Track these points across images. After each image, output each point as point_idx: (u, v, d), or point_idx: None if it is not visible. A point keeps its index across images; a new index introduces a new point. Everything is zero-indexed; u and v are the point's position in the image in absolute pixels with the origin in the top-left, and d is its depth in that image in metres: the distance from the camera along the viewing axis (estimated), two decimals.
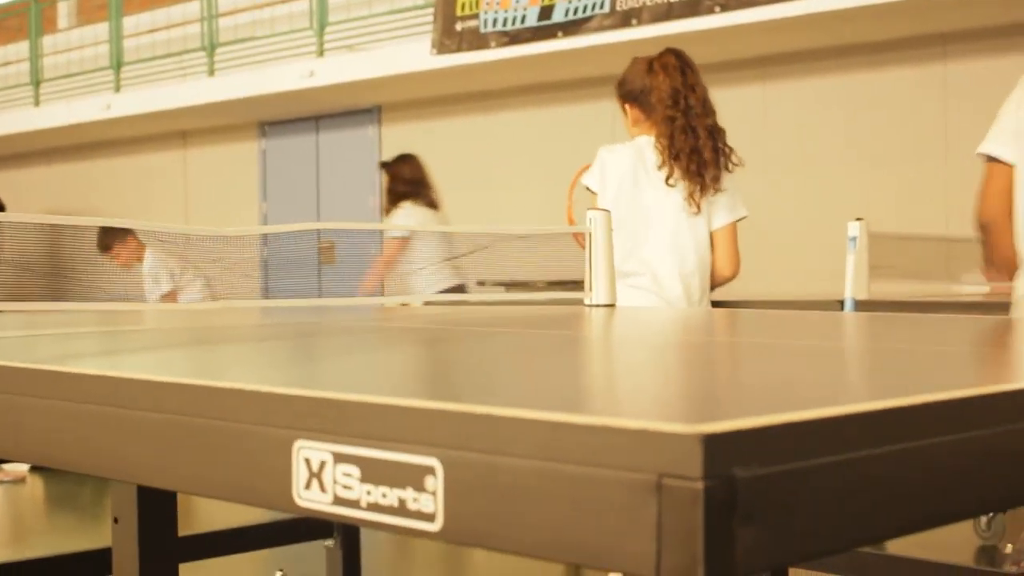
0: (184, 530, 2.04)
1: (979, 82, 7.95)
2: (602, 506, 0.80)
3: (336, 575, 3.03)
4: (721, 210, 3.79)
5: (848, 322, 2.27)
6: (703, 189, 3.71)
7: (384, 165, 7.12)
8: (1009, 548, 3.29)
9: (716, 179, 3.73)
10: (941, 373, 1.25)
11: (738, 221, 3.81)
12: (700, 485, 0.75)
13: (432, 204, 6.85)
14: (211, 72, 11.81)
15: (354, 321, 1.85)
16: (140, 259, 7.70)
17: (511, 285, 5.59)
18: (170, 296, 7.44)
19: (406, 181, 6.81)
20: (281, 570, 3.17)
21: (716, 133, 3.75)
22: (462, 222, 9.64)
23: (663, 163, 3.71)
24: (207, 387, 1.08)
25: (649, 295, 3.72)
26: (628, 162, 3.76)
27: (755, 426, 0.79)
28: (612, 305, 2.81)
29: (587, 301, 2.84)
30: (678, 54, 3.82)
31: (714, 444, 0.76)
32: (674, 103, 3.71)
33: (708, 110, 3.76)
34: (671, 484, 0.76)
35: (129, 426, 1.14)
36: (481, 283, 5.98)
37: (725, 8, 7.95)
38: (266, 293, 2.82)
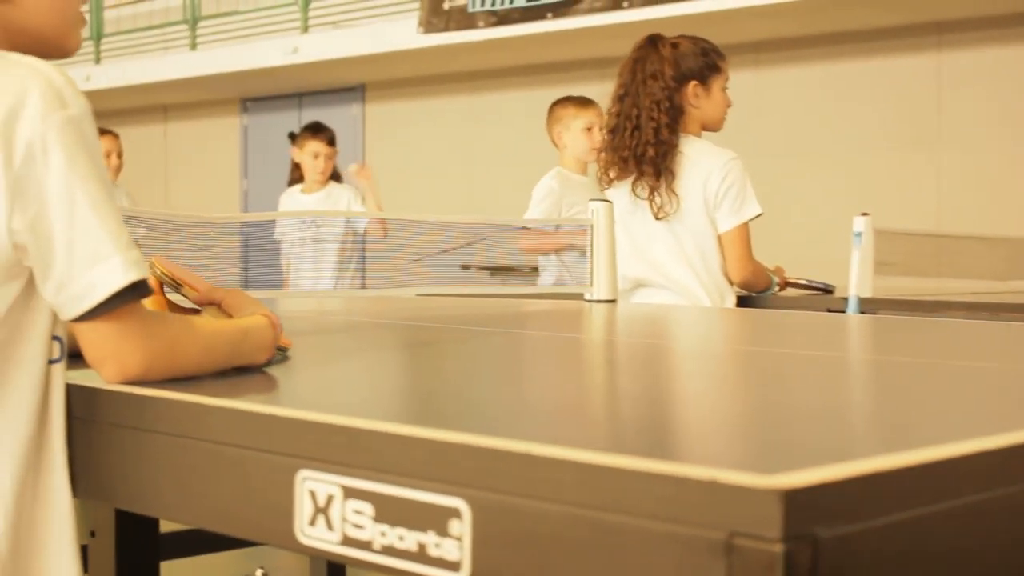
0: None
1: (974, 72, 7.87)
2: (658, 565, 0.69)
3: (320, 572, 2.92)
4: (725, 213, 3.35)
5: (889, 329, 2.15)
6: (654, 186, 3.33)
7: None
8: None
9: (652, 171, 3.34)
10: None
11: (750, 221, 3.40)
12: (779, 548, 0.64)
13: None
14: (193, 46, 11.64)
15: (350, 316, 1.74)
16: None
17: (495, 270, 5.47)
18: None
19: None
20: (262, 568, 3.07)
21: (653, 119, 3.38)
22: (446, 204, 9.51)
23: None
24: (196, 404, 0.96)
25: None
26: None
27: (841, 477, 0.68)
28: (613, 301, 2.71)
29: (587, 296, 2.75)
30: (646, 40, 3.53)
31: (795, 500, 0.65)
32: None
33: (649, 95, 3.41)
34: (744, 545, 0.65)
35: (105, 442, 1.02)
36: (466, 267, 5.84)
37: None
38: (246, 283, 2.68)
